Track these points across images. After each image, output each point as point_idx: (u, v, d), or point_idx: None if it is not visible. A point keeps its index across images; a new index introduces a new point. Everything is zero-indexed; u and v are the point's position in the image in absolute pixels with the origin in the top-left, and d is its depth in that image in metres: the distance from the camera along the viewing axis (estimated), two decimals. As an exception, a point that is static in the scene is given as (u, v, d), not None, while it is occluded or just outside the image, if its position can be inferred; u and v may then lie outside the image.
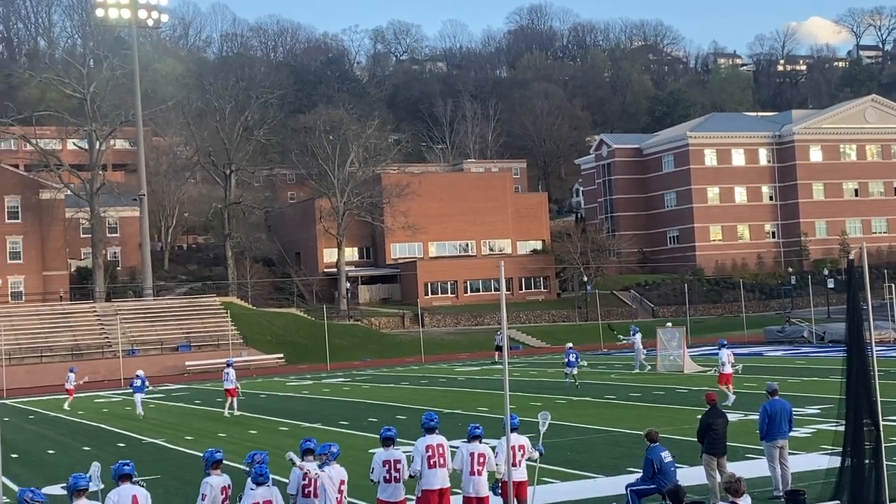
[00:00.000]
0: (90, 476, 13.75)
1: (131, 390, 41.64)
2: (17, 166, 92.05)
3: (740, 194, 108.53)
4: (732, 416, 22.62)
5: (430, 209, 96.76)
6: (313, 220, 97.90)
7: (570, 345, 44.13)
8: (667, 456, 16.67)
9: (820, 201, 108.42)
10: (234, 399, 38.03)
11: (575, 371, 41.51)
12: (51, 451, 29.86)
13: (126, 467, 12.55)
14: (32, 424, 39.33)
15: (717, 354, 35.02)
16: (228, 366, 38.61)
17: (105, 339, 73.52)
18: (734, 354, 36.50)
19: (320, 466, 13.20)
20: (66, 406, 44.85)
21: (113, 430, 34.95)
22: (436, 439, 14.50)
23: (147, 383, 42.53)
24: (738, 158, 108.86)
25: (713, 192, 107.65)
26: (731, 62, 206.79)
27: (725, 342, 35.77)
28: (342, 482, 13.25)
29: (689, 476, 18.62)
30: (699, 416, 18.39)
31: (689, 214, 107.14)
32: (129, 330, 74.41)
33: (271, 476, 12.74)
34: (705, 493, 17.08)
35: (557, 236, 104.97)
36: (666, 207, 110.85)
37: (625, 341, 59.85)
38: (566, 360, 42.12)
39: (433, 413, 15.02)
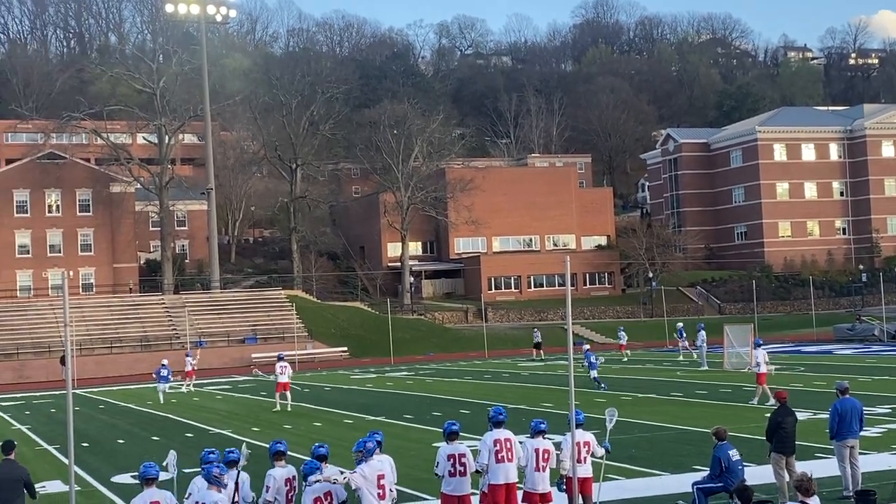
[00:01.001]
0: (167, 464, 13.95)
1: (155, 378, 44.88)
2: (88, 160, 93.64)
3: (810, 190, 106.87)
4: (802, 415, 22.31)
5: (493, 204, 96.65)
6: (377, 214, 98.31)
7: (588, 346, 43.62)
8: (735, 454, 16.45)
9: (892, 197, 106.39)
10: (287, 392, 37.40)
11: (595, 373, 40.29)
12: (121, 441, 30.34)
13: (211, 455, 12.68)
14: (103, 414, 40.03)
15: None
16: (281, 359, 38.17)
17: (173, 331, 74.60)
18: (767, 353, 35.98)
19: (358, 462, 12.98)
20: (185, 389, 48.70)
21: (181, 421, 35.42)
22: (503, 434, 14.45)
23: (171, 374, 46.25)
24: (809, 153, 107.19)
25: (782, 188, 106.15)
26: (801, 56, 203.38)
27: (761, 342, 35.55)
28: (380, 476, 12.87)
29: (757, 475, 18.36)
30: (768, 415, 18.14)
31: (757, 210, 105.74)
32: (197, 322, 75.41)
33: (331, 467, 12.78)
34: (773, 493, 16.84)
35: (622, 232, 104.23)
36: (734, 203, 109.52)
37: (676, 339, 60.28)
38: (586, 362, 41.06)
39: (501, 408, 14.97)
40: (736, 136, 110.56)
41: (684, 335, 56.40)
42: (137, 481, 12.27)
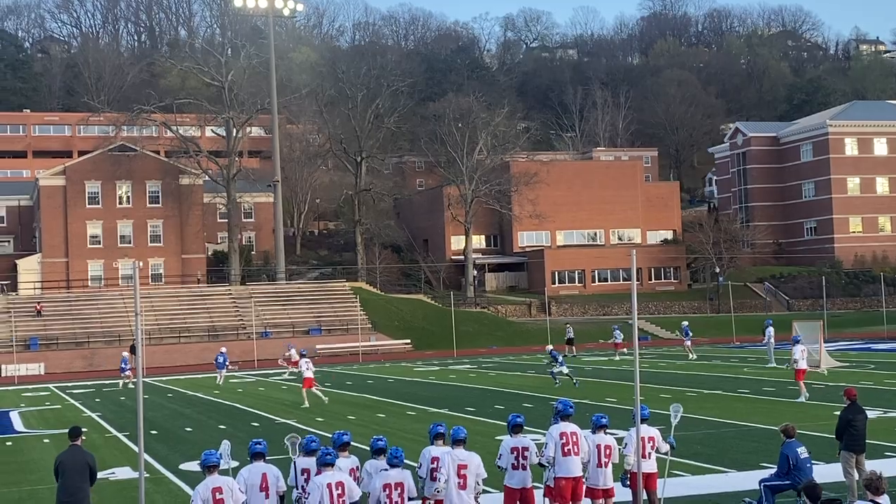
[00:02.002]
0: (220, 453, 14.18)
1: (215, 365, 49.64)
2: (157, 152, 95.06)
3: (882, 185, 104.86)
4: (872, 413, 21.94)
5: (558, 197, 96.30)
6: (441, 207, 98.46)
7: (551, 347, 42.58)
8: (803, 452, 16.25)
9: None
10: (314, 387, 36.82)
11: (565, 370, 39.51)
12: (188, 429, 30.79)
13: (258, 446, 12.86)
14: (171, 403, 40.64)
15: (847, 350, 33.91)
16: (303, 356, 37.58)
17: (240, 321, 75.48)
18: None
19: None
20: (287, 374, 51.22)
21: (247, 410, 35.84)
22: (570, 427, 14.40)
23: (228, 361, 50.60)
24: (881, 148, 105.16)
25: (853, 183, 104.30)
26: (873, 49, 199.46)
27: (800, 338, 35.08)
28: (462, 466, 13.34)
29: (826, 473, 18.11)
30: (837, 413, 17.87)
31: (827, 205, 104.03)
32: (263, 312, 76.23)
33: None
34: (842, 491, 16.59)
35: (689, 226, 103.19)
36: (803, 198, 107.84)
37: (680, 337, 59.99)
38: (556, 360, 39.88)
39: (569, 401, 14.92)
40: (806, 130, 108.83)
41: (689, 334, 55.58)
42: (213, 462, 12.45)
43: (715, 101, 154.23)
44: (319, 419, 31.71)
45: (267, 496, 12.60)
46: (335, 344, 72.40)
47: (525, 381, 44.29)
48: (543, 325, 74.97)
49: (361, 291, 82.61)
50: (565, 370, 39.70)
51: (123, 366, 50.32)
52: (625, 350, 58.16)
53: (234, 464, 14.28)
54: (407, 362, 62.73)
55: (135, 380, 47.96)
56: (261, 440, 13.13)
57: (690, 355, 53.97)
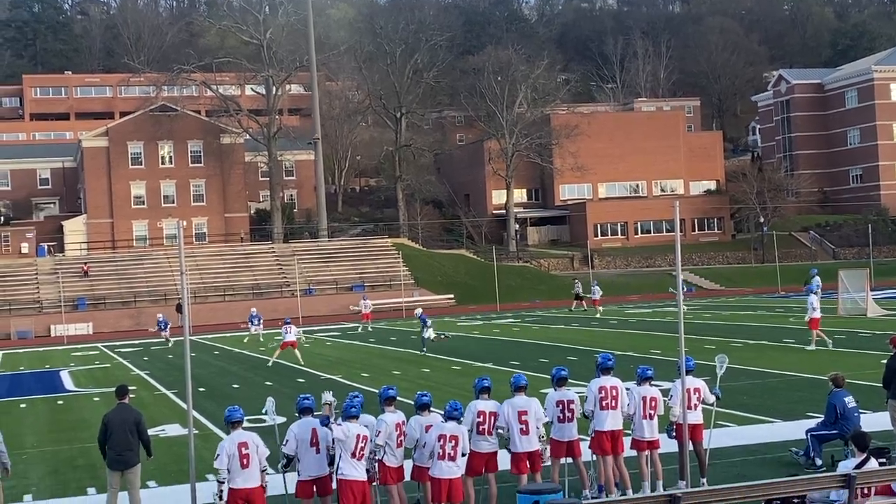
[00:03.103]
0: (266, 410, 14.38)
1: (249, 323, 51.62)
2: (198, 112, 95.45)
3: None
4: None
5: (599, 150, 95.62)
6: (482, 161, 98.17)
7: (420, 311, 40.92)
8: (851, 401, 16.16)
9: None
10: (296, 350, 36.88)
11: (432, 334, 38.13)
12: (235, 386, 31.12)
13: (306, 401, 12.98)
14: (218, 360, 41.10)
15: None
16: (286, 323, 37.47)
17: (283, 279, 76.00)
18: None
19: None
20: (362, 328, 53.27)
21: (293, 366, 36.13)
22: (610, 381, 14.42)
23: (262, 319, 52.32)
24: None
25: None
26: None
27: (814, 287, 35.05)
28: (522, 413, 13.61)
29: (873, 422, 18.01)
30: (884, 361, 17.70)
31: (873, 152, 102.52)
32: (306, 270, 76.69)
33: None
34: (890, 440, 16.48)
35: (732, 176, 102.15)
36: (848, 145, 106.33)
37: (672, 291, 59.06)
38: (425, 324, 38.32)
39: (609, 354, 14.93)
40: (851, 76, 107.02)
41: (692, 289, 55.48)
42: (238, 418, 12.63)
43: (758, 48, 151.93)
44: (365, 374, 31.94)
45: (318, 451, 12.74)
46: (378, 300, 72.62)
47: (568, 334, 44.30)
48: (586, 278, 74.71)
49: (404, 247, 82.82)
50: (432, 335, 38.17)
51: (161, 326, 52.83)
52: (601, 308, 57.16)
53: (281, 419, 14.43)
54: (450, 317, 62.88)
55: (171, 338, 49.62)
56: (309, 395, 13.25)
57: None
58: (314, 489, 12.79)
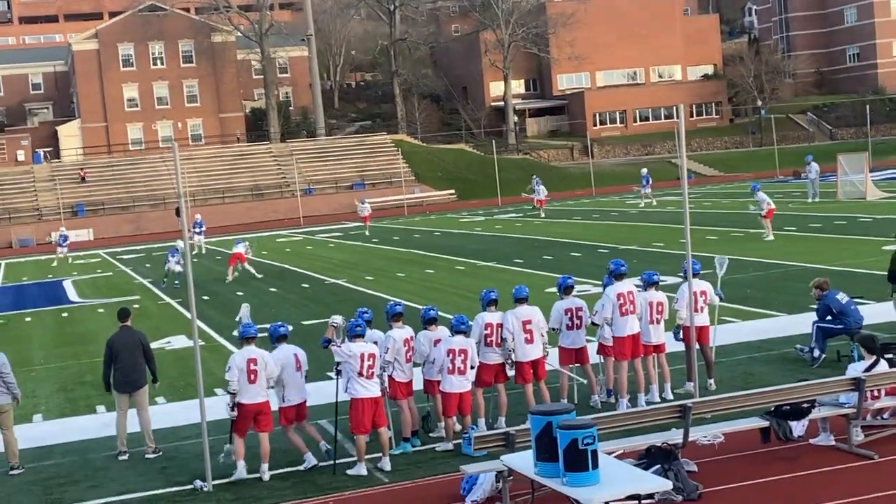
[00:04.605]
0: (240, 317, 14.44)
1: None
2: (187, 10, 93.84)
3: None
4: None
5: (596, 38, 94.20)
6: (479, 53, 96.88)
7: (243, 242, 36.52)
8: (843, 297, 16.16)
9: None
10: (244, 263, 34.98)
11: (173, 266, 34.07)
12: (240, 293, 31.05)
13: (281, 329, 13.04)
14: (220, 265, 40.88)
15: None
16: (238, 244, 35.54)
17: (283, 180, 75.70)
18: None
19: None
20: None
21: (296, 271, 36.18)
22: (626, 286, 14.36)
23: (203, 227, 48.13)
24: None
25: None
26: None
27: (758, 186, 35.31)
28: (526, 322, 13.66)
29: (876, 313, 18.06)
30: (886, 248, 17.66)
31: (870, 30, 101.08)
32: (305, 169, 76.33)
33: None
34: (894, 332, 16.54)
35: (729, 59, 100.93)
36: (846, 23, 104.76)
37: (525, 195, 58.61)
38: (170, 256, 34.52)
39: (622, 260, 14.82)
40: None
41: (649, 181, 54.53)
42: (252, 334, 12.72)
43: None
44: (369, 278, 31.95)
45: (302, 376, 12.92)
46: (379, 198, 72.52)
47: (571, 228, 44.24)
48: (586, 168, 74.46)
49: (403, 143, 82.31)
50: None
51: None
52: (544, 210, 53.66)
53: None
54: (452, 213, 62.85)
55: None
56: (284, 323, 13.32)
57: (640, 203, 53.19)
58: (296, 414, 12.93)
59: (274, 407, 12.90)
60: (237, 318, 14.66)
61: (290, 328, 13.33)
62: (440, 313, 13.85)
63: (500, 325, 13.52)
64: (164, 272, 34.95)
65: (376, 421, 12.32)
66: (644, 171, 55.76)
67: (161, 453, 13.89)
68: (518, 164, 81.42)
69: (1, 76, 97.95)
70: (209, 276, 36.21)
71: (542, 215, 52.20)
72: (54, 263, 47.99)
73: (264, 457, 12.52)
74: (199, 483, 12.36)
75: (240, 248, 34.88)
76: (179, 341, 22.93)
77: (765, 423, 11.44)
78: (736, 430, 11.53)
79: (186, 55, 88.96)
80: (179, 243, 36.11)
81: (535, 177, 59.47)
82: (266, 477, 12.44)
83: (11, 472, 13.63)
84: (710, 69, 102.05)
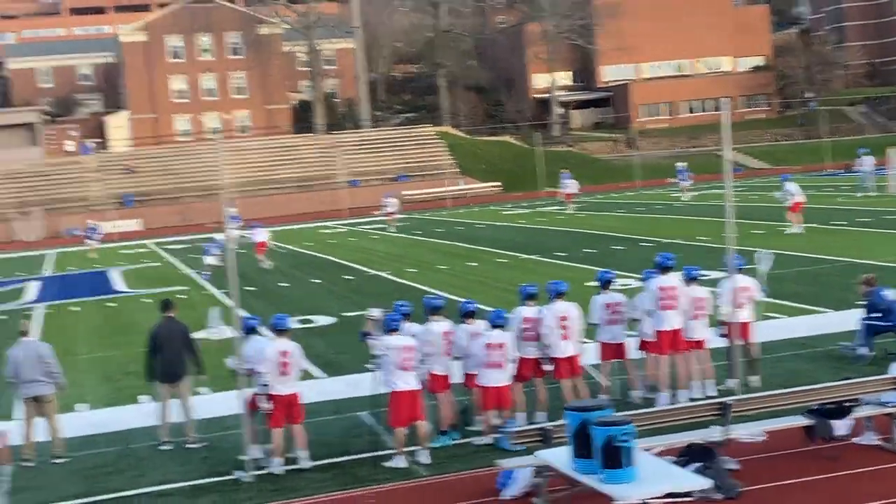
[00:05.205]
0: (210, 320, 14.53)
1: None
2: (234, 2, 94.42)
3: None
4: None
5: (643, 29, 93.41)
6: (523, 45, 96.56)
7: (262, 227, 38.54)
8: (891, 294, 15.93)
9: None
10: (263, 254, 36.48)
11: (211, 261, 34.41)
12: (284, 284, 31.29)
13: (251, 321, 13.37)
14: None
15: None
16: (255, 228, 36.93)
17: (328, 171, 75.95)
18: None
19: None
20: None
21: (340, 262, 36.29)
22: (670, 280, 14.20)
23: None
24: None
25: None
26: None
27: (790, 176, 34.93)
28: (563, 318, 13.56)
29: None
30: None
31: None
32: (350, 161, 76.55)
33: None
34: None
35: (779, 51, 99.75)
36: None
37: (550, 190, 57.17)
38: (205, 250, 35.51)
39: (670, 254, 14.67)
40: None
41: (687, 173, 53.26)
42: (287, 327, 12.85)
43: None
44: (412, 270, 31.98)
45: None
46: (423, 189, 72.63)
47: (614, 221, 43.98)
48: (631, 160, 74.01)
49: (447, 135, 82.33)
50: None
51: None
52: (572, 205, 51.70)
53: (227, 331, 14.65)
54: (495, 205, 62.74)
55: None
56: (285, 315, 13.29)
57: (682, 197, 52.28)
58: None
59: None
60: (209, 326, 14.82)
61: (259, 321, 13.57)
62: (482, 306, 13.85)
63: (538, 320, 13.47)
64: (204, 264, 35.32)
65: (414, 414, 12.34)
66: (680, 164, 55.02)
67: (203, 443, 14.01)
68: (562, 156, 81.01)
69: (51, 67, 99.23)
70: (253, 266, 36.29)
71: (569, 210, 50.87)
72: (93, 255, 47.92)
73: (302, 445, 12.63)
74: (240, 473, 12.46)
75: (262, 237, 35.61)
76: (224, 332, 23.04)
77: (808, 422, 11.31)
78: (778, 429, 11.41)
79: (234, 47, 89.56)
80: (219, 236, 36.67)
81: (562, 171, 58.27)
82: (306, 465, 12.53)
83: (56, 461, 13.82)
84: (759, 60, 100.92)
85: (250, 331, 13.27)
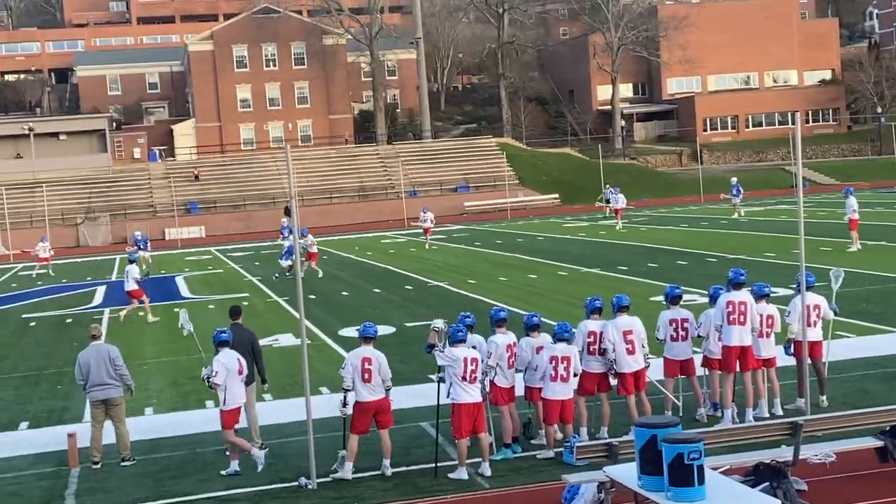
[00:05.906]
0: (181, 323, 14.66)
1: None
2: (300, 12, 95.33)
3: None
4: None
5: (708, 41, 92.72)
6: (587, 56, 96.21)
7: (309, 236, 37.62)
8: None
9: None
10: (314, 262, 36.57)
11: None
12: (345, 293, 31.41)
13: (222, 335, 13.43)
14: (325, 265, 41.21)
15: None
16: (303, 235, 36.16)
17: (388, 181, 76.30)
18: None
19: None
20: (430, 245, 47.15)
21: (400, 272, 36.36)
22: (739, 296, 13.95)
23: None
24: None
25: None
26: None
27: (852, 189, 34.28)
28: (627, 332, 13.47)
29: None
30: None
31: None
32: (410, 171, 76.82)
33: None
34: None
35: (848, 64, 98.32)
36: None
37: (598, 204, 56.42)
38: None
39: (741, 270, 14.43)
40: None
41: (740, 191, 51.83)
42: (371, 334, 12.99)
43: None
44: (471, 281, 31.96)
45: (243, 380, 13.36)
46: (483, 201, 72.64)
47: (678, 236, 43.58)
48: (695, 174, 73.34)
49: (507, 147, 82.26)
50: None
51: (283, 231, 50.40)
52: (620, 222, 50.81)
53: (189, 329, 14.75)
54: (555, 217, 62.52)
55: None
56: (225, 329, 13.56)
57: (734, 215, 50.93)
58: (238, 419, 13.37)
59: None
60: (179, 325, 15.02)
61: (230, 335, 13.56)
62: (542, 319, 13.78)
63: (602, 335, 13.39)
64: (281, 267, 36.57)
65: (476, 426, 12.32)
66: (734, 179, 54.32)
67: (267, 449, 14.10)
68: (624, 169, 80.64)
69: (119, 75, 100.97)
70: (314, 274, 36.50)
71: (619, 227, 49.74)
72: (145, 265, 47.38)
73: (386, 453, 12.70)
74: (303, 480, 12.52)
75: (313, 248, 36.36)
76: (286, 339, 23.26)
77: (879, 443, 11.09)
78: (848, 450, 11.19)
79: (298, 57, 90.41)
80: (287, 243, 37.17)
81: (608, 186, 57.54)
82: (388, 472, 12.63)
83: (123, 464, 14.00)
84: (827, 74, 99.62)
85: (221, 344, 13.35)
